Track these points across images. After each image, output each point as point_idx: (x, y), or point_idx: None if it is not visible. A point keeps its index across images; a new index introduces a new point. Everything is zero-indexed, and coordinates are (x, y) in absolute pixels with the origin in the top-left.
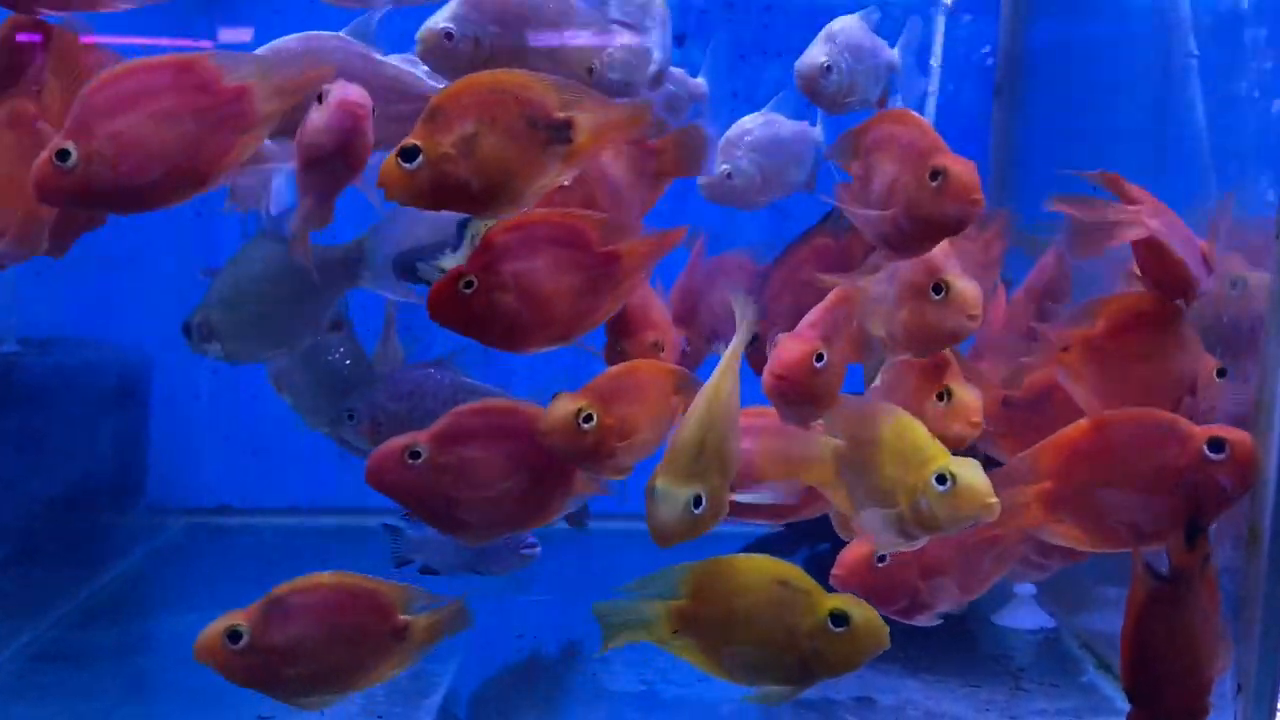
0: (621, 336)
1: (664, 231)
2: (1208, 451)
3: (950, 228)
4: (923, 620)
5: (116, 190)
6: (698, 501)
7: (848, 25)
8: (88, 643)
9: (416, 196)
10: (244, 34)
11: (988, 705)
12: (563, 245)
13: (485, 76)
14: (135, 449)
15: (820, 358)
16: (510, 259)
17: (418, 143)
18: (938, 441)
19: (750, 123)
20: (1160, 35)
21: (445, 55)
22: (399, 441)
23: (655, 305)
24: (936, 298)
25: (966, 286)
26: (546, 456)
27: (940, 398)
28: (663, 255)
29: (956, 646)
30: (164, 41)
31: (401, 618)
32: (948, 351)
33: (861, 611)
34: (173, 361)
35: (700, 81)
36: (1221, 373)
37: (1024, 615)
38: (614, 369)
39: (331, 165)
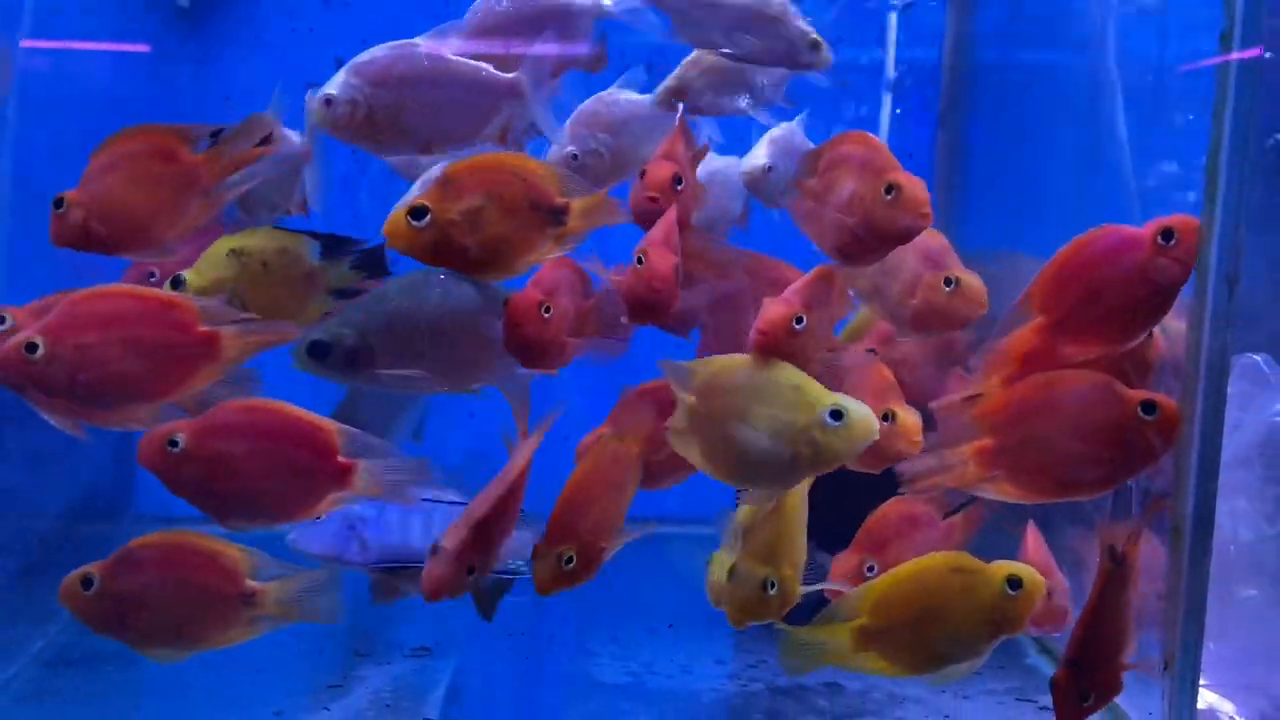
0: None
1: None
2: (1141, 412)
3: (902, 237)
4: None
5: (69, 391)
6: (771, 584)
7: (786, 130)
8: (96, 648)
9: (417, 252)
10: None
11: (943, 686)
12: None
13: (499, 156)
14: (126, 458)
15: (800, 320)
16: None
17: (429, 204)
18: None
19: None
20: (1091, 68)
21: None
22: (161, 429)
23: None
24: (888, 197)
25: (914, 185)
26: (304, 453)
27: (885, 418)
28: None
29: None
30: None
31: (250, 583)
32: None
33: (1024, 570)
34: None
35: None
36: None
37: None
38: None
39: None
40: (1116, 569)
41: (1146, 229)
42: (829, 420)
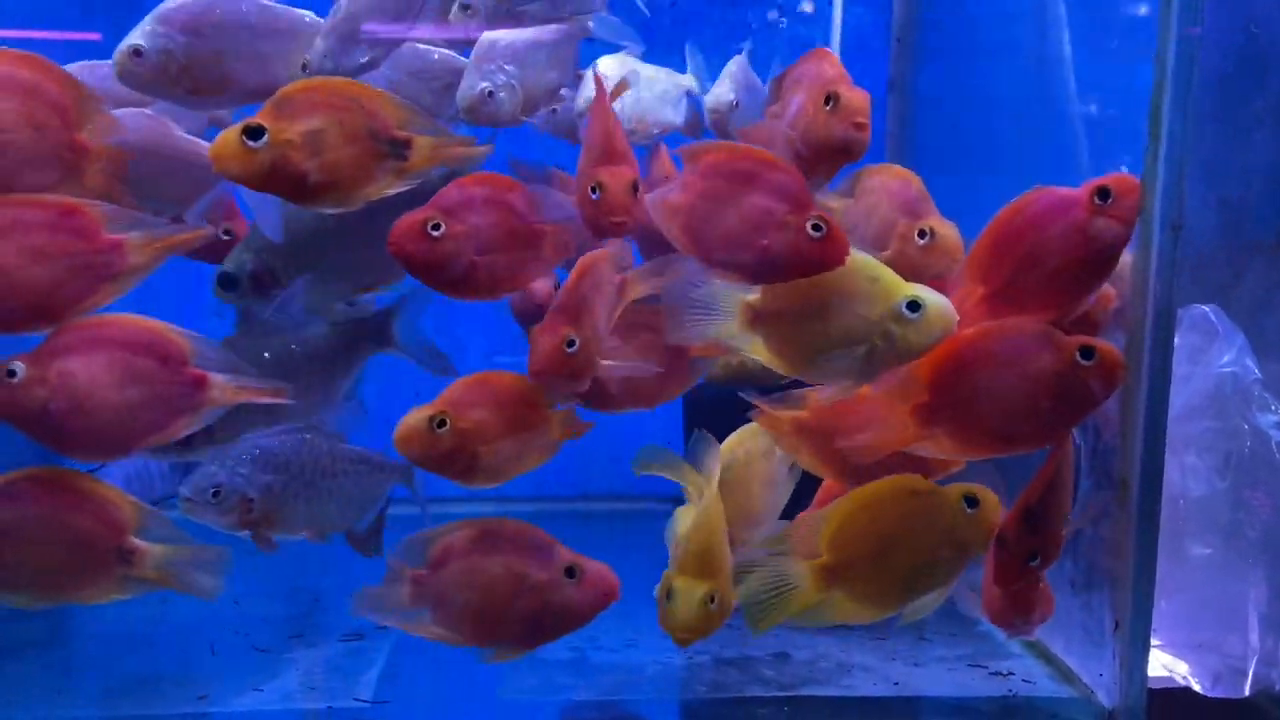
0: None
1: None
2: (1079, 358)
3: (839, 149)
4: None
5: None
6: (712, 598)
7: (740, 65)
8: (19, 633)
9: (250, 175)
10: None
11: (894, 655)
12: (503, 209)
13: (338, 81)
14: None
15: (571, 343)
16: (469, 214)
17: (265, 125)
18: (888, 268)
19: (613, 60)
20: (1039, 25)
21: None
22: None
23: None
24: (827, 108)
25: (853, 95)
26: (157, 369)
27: (922, 235)
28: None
29: None
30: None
31: (132, 540)
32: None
33: (981, 489)
34: None
35: (689, 78)
36: None
37: None
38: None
39: None
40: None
41: (1083, 189)
42: (905, 311)
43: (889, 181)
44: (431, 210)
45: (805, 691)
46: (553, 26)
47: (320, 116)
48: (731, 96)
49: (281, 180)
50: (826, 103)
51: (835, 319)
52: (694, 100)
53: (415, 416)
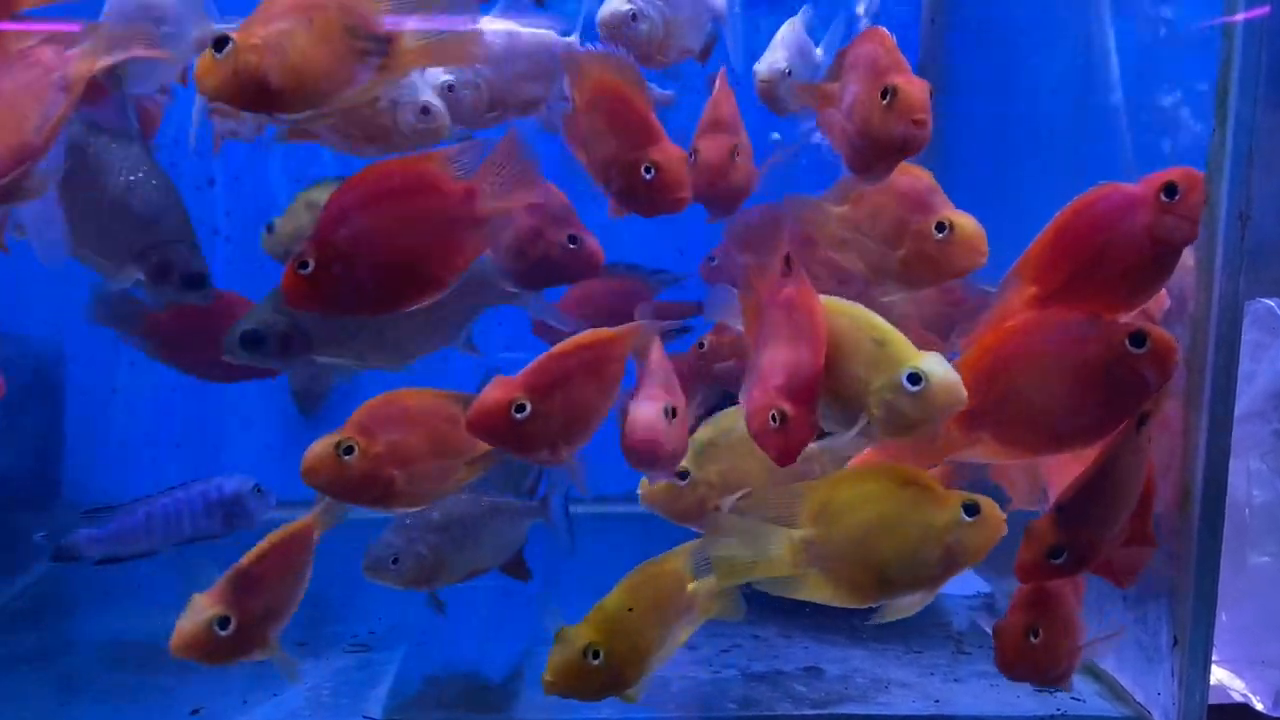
0: None
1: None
2: (1130, 345)
3: (896, 146)
4: None
5: None
6: (595, 654)
7: (794, 30)
8: (12, 646)
9: (221, 88)
10: None
11: (931, 669)
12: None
13: None
14: (51, 446)
15: (522, 408)
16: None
17: (231, 34)
18: (898, 332)
19: None
20: (1081, 4)
21: None
22: None
23: None
24: (884, 102)
25: (911, 89)
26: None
27: (940, 229)
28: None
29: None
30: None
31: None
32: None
33: (984, 501)
34: (87, 355)
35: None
36: None
37: (961, 582)
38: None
39: None
40: (1138, 430)
41: (1147, 186)
42: (906, 384)
43: (896, 179)
44: (308, 247)
45: (840, 709)
46: (530, 33)
47: (290, 17)
48: (784, 65)
49: (250, 89)
50: (883, 96)
51: (832, 380)
52: (716, 26)
53: (321, 444)
